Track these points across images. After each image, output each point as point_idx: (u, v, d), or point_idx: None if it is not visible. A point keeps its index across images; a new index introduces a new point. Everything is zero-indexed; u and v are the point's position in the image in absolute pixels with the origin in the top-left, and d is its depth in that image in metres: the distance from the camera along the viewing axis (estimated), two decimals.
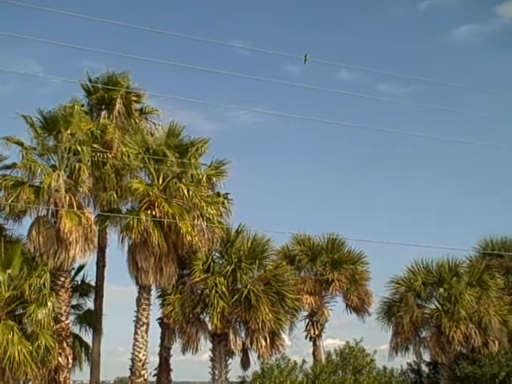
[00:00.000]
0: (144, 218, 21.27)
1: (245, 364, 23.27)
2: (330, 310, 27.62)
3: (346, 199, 41.67)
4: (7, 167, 21.71)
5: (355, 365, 24.60)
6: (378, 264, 31.46)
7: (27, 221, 21.49)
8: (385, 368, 25.43)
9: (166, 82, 37.21)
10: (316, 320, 27.11)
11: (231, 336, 22.46)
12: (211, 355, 23.18)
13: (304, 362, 24.24)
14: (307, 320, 27.32)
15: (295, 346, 25.87)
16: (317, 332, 27.07)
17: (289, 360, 23.68)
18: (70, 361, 21.09)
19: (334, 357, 25.16)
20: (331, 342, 28.80)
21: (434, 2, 48.68)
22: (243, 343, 22.83)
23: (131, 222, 21.24)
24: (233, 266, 22.79)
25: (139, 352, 22.03)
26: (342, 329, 34.54)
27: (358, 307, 27.48)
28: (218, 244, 23.16)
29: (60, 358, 20.49)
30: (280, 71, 37.50)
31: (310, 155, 44.47)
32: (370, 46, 46.98)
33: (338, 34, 47.89)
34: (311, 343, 27.32)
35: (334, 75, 36.84)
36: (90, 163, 21.53)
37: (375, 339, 29.36)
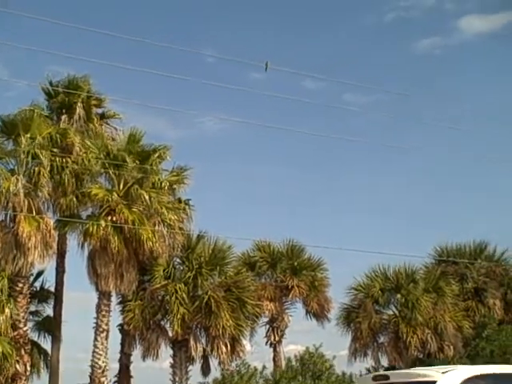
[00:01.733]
0: (104, 223, 21.10)
1: (205, 370, 23.24)
2: (290, 316, 27.76)
3: (306, 205, 41.91)
4: None
5: (315, 370, 24.67)
6: (338, 270, 31.88)
7: None
8: (344, 373, 25.57)
9: (133, 88, 37.07)
10: (276, 326, 27.15)
11: (192, 342, 22.46)
12: (172, 362, 23.08)
13: (264, 367, 24.24)
14: (268, 326, 27.34)
15: (256, 352, 25.91)
16: (277, 338, 27.10)
17: (249, 366, 23.65)
18: (28, 368, 20.83)
19: (293, 362, 25.18)
20: (293, 348, 28.84)
21: (399, 14, 49.60)
22: (204, 349, 22.86)
23: (91, 227, 21.05)
24: (194, 273, 22.79)
25: (99, 359, 21.79)
26: (303, 335, 34.64)
27: (318, 313, 27.67)
28: (179, 250, 23.16)
29: (18, 366, 20.19)
30: (246, 78, 37.55)
31: (272, 161, 44.67)
32: (336, 55, 47.50)
33: (304, 42, 48.15)
34: (272, 349, 27.43)
35: (300, 84, 37.06)
36: (49, 167, 21.29)
37: (335, 345, 29.56)
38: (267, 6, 47.78)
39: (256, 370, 23.86)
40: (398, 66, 47.29)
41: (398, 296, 26.41)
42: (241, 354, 23.25)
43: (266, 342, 27.24)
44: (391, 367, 26.76)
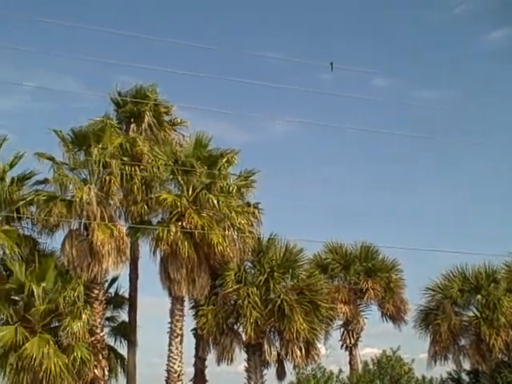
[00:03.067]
0: (174, 229, 21.27)
1: (280, 374, 22.98)
2: (366, 318, 27.34)
3: (378, 207, 41.21)
4: (40, 182, 21.98)
5: (393, 374, 24.16)
6: (413, 271, 31.07)
7: (60, 234, 21.69)
8: (424, 377, 24.94)
9: (200, 94, 37.69)
10: (351, 329, 26.77)
11: (266, 346, 22.29)
12: (246, 366, 22.97)
13: (340, 371, 23.99)
14: (342, 329, 27.01)
15: (331, 356, 25.58)
16: (352, 341, 26.71)
17: (325, 370, 23.43)
18: (106, 373, 21.20)
19: (370, 366, 24.72)
20: (369, 351, 28.37)
21: (467, 7, 48.14)
22: (278, 353, 22.61)
23: (161, 233, 21.24)
24: (265, 276, 22.62)
25: (174, 363, 21.95)
26: (380, 337, 34.03)
27: (394, 315, 27.10)
28: (250, 254, 23.05)
29: (96, 371, 20.55)
30: (313, 80, 37.28)
31: (341, 163, 44.18)
32: (403, 52, 46.58)
33: (370, 40, 47.44)
34: (347, 352, 26.99)
35: (369, 82, 36.61)
36: (120, 176, 21.70)
37: (413, 348, 28.75)
38: (330, 7, 47.39)
39: (332, 373, 23.60)
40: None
41: (479, 297, 25.43)
42: (316, 358, 22.95)
43: (342, 346, 26.95)
44: (474, 371, 25.85)
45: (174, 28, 44.04)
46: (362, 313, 27.32)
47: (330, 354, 25.32)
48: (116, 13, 46.31)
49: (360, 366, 25.73)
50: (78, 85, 37.61)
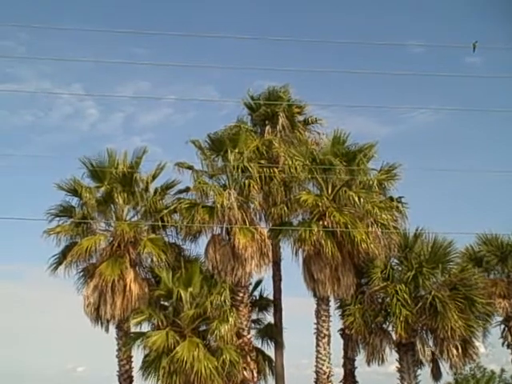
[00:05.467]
0: (316, 229, 21.03)
1: (435, 375, 22.01)
2: None
3: None
4: (181, 191, 22.82)
5: None
6: None
7: (203, 240, 22.34)
8: None
9: (338, 91, 37.32)
10: None
11: (418, 345, 21.36)
12: (398, 366, 22.15)
13: (503, 371, 22.55)
14: (503, 326, 25.35)
15: (491, 355, 24.11)
16: None
17: (485, 369, 22.14)
18: (255, 375, 21.44)
19: None
20: None
21: None
22: (432, 353, 21.65)
23: (303, 234, 21.07)
24: (413, 272, 21.73)
25: (322, 364, 21.72)
26: None
27: None
28: (396, 250, 22.23)
29: (245, 372, 20.85)
30: (459, 64, 35.39)
31: (492, 150, 41.69)
32: None
33: None
34: (509, 351, 25.30)
35: None
36: (258, 179, 21.89)
37: None
38: None
39: (493, 373, 22.25)
40: None
41: None
42: (474, 357, 21.79)
43: (503, 343, 25.30)
44: None
45: (305, 26, 43.89)
46: None
47: (490, 352, 23.89)
48: (245, 17, 47.08)
49: None
50: (218, 93, 38.66)
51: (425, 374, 22.14)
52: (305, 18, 47.54)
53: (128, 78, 44.48)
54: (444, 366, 21.86)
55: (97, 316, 21.27)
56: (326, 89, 34.78)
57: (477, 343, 22.14)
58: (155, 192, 22.55)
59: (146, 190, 22.53)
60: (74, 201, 22.32)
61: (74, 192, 22.16)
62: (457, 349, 21.16)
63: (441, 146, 44.55)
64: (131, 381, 21.81)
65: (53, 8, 42.92)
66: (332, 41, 23.38)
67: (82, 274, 22.07)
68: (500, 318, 25.23)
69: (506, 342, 25.26)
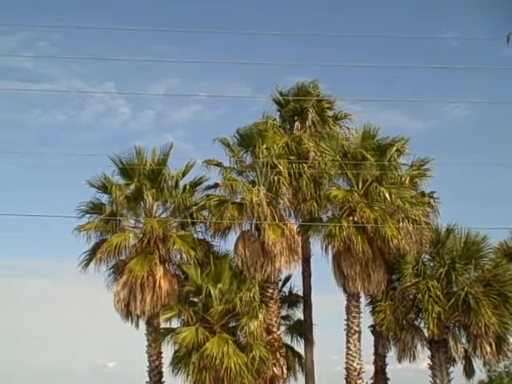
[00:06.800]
0: (346, 224, 20.88)
1: (468, 372, 21.71)
2: None
3: None
4: (210, 187, 22.82)
5: None
6: None
7: (232, 236, 22.36)
8: None
9: (370, 85, 37.06)
10: None
11: (451, 342, 21.09)
12: (430, 363, 21.85)
13: None
14: None
15: None
16: None
17: None
18: (285, 371, 21.40)
19: None
20: None
21: None
22: (465, 350, 21.38)
23: (333, 229, 20.97)
24: (446, 268, 21.43)
25: (353, 361, 21.59)
26: None
27: None
28: (428, 246, 21.97)
29: (275, 369, 20.82)
30: (494, 57, 34.82)
31: None
32: None
33: None
34: None
35: None
36: (287, 175, 21.80)
37: None
38: None
39: None
40: None
41: None
42: (508, 354, 21.39)
43: None
44: None
45: (331, 22, 43.62)
46: None
47: None
48: (275, 15, 47.00)
49: None
50: (250, 90, 38.65)
51: (457, 371, 21.89)
52: (337, 13, 47.25)
53: (158, 76, 44.77)
54: (477, 364, 21.60)
55: (127, 312, 21.40)
56: (358, 84, 34.49)
57: (511, 340, 21.75)
58: (184, 189, 22.53)
59: (176, 186, 22.57)
60: (105, 198, 22.54)
61: (104, 189, 22.30)
62: (490, 346, 20.83)
63: (473, 141, 43.86)
64: (161, 376, 21.91)
65: (84, 9, 43.40)
66: (366, 35, 23.20)
67: (111, 270, 22.23)
68: None
69: None
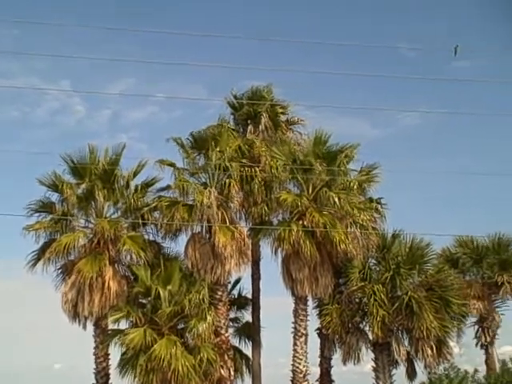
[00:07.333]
0: (295, 228, 21.17)
1: (410, 374, 22.29)
2: (502, 314, 25.92)
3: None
4: (162, 189, 22.78)
5: None
6: None
7: (183, 238, 22.38)
8: None
9: (329, 91, 37.58)
10: (486, 326, 25.47)
11: (394, 345, 21.65)
12: (374, 365, 22.43)
13: (476, 371, 22.85)
14: (477, 326, 25.76)
15: (465, 355, 24.43)
16: (488, 339, 25.41)
17: (459, 369, 22.40)
18: (232, 373, 21.54)
19: (510, 365, 23.37)
20: (509, 349, 26.89)
21: None
22: (407, 352, 21.92)
23: (283, 233, 21.22)
24: (391, 273, 21.97)
25: (299, 363, 21.90)
26: None
27: None
28: (374, 251, 22.48)
29: (222, 371, 20.94)
30: (448, 69, 35.73)
31: (472, 153, 42.30)
32: None
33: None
34: (483, 351, 25.70)
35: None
36: (239, 178, 21.96)
37: None
38: None
39: (467, 373, 22.53)
40: None
41: None
42: (448, 357, 22.03)
43: (476, 344, 25.76)
44: None
45: (294, 27, 43.96)
46: (498, 309, 26.00)
47: (464, 352, 24.21)
48: (236, 17, 47.11)
49: (498, 366, 24.39)
50: (207, 92, 38.61)
51: (400, 373, 22.48)
52: (299, 19, 47.60)
53: (117, 76, 44.32)
54: (419, 366, 22.14)
55: (74, 313, 21.18)
56: (316, 90, 34.93)
57: (451, 343, 22.46)
58: (136, 189, 22.43)
59: (127, 187, 22.44)
60: (55, 197, 22.21)
61: (55, 188, 21.99)
62: (431, 349, 21.43)
63: (425, 149, 45.06)
64: (108, 378, 21.74)
65: (43, 4, 42.53)
66: (324, 42, 23.55)
67: (60, 270, 21.98)
68: (474, 319, 25.67)
69: (480, 343, 25.69)
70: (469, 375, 22.47)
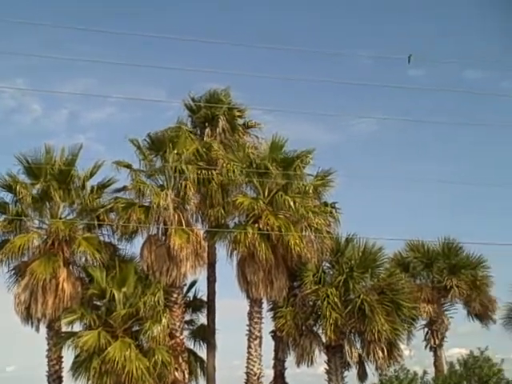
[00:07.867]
0: (251, 231, 21.32)
1: (362, 376, 22.67)
2: (451, 317, 26.57)
3: (462, 202, 39.89)
4: (118, 190, 22.66)
5: (481, 375, 23.24)
6: (504, 268, 29.79)
7: (138, 240, 22.30)
8: None
9: (286, 96, 37.95)
10: (436, 329, 26.06)
11: (346, 348, 22.04)
12: (327, 368, 22.75)
13: (425, 372, 23.31)
14: (426, 329, 26.34)
15: (415, 357, 24.98)
16: (437, 341, 25.99)
17: (408, 371, 22.83)
18: (187, 375, 21.55)
19: (457, 367, 23.93)
20: (456, 352, 27.46)
21: None
22: (359, 355, 22.31)
23: (238, 236, 21.36)
24: (344, 276, 22.36)
25: (253, 366, 22.07)
26: (468, 337, 32.94)
27: (481, 314, 26.19)
28: (328, 254, 22.79)
29: (176, 373, 20.95)
30: (403, 77, 36.46)
31: (427, 159, 43.21)
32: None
33: (459, 32, 45.64)
34: (432, 353, 26.30)
35: (461, 75, 35.42)
36: (196, 181, 22.02)
37: (504, 348, 27.58)
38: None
39: (416, 375, 22.98)
40: None
41: None
42: (398, 359, 22.47)
43: (426, 346, 26.30)
44: None
45: (255, 31, 44.14)
46: (447, 312, 26.58)
47: (414, 354, 24.76)
48: (191, 20, 47.05)
49: (446, 367, 24.97)
50: (167, 94, 38.38)
51: (352, 375, 22.85)
52: (265, 22, 47.80)
53: (74, 75, 43.64)
54: (370, 368, 22.55)
55: (27, 315, 20.86)
56: (277, 94, 35.11)
57: (402, 346, 22.95)
58: (92, 190, 22.23)
59: (83, 187, 22.18)
60: (9, 197, 21.89)
61: (9, 188, 21.65)
62: (382, 351, 21.85)
63: (379, 155, 45.81)
64: (61, 381, 21.49)
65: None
66: (283, 47, 23.68)
67: (13, 272, 21.68)
68: (424, 322, 26.23)
69: (429, 345, 26.26)
70: (418, 377, 22.90)
